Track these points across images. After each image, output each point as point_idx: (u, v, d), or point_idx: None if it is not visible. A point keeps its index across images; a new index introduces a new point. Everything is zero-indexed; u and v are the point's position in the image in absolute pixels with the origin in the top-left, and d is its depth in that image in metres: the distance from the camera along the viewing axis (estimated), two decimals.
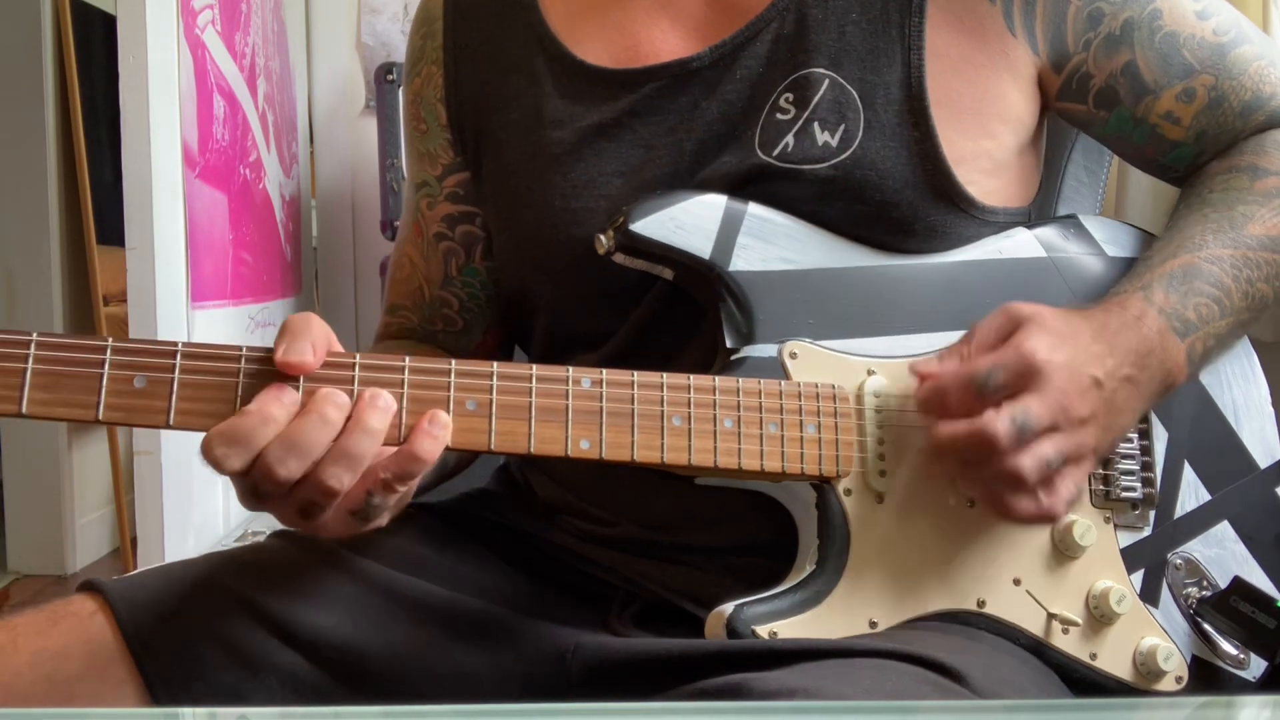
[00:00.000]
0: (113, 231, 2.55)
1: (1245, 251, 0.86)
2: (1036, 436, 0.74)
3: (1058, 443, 0.75)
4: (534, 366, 0.74)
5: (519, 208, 0.92)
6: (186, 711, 0.78)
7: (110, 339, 0.67)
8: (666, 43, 0.90)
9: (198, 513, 1.93)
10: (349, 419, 0.68)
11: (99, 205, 2.99)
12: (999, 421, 0.73)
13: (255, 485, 0.67)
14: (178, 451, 1.83)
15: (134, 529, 1.93)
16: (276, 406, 0.67)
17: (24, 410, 0.65)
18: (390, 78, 2.54)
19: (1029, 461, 0.74)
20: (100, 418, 0.66)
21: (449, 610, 0.85)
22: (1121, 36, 0.88)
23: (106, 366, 0.66)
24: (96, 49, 3.12)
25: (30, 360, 0.65)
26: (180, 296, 1.87)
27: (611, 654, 0.80)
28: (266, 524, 2.09)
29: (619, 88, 0.89)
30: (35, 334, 0.66)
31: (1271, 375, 0.99)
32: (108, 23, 3.02)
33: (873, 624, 0.79)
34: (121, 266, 1.76)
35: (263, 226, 2.30)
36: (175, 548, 1.81)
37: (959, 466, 0.77)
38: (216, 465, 0.67)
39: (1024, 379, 0.75)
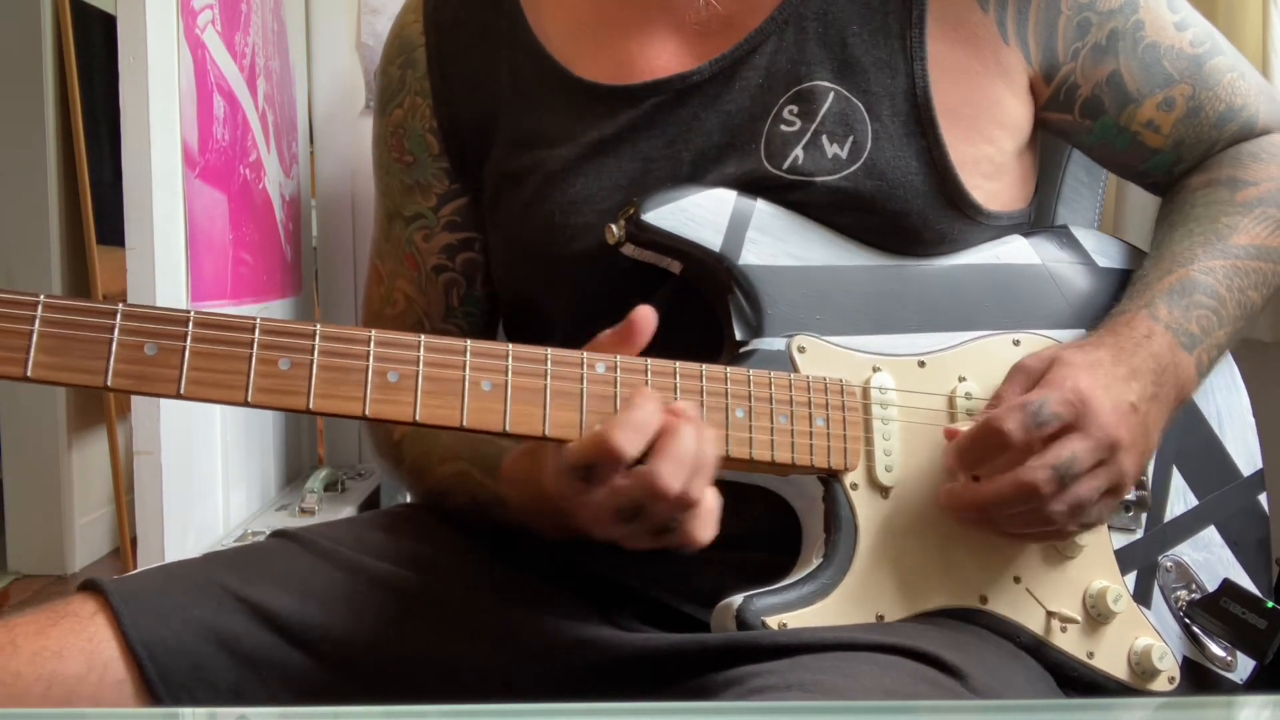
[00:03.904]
0: (113, 231, 2.55)
1: (1235, 261, 0.88)
2: (1078, 479, 0.77)
3: (1099, 479, 0.78)
4: (548, 349, 0.73)
5: (519, 225, 0.92)
6: (186, 711, 0.78)
7: (121, 304, 0.65)
8: (660, 58, 0.90)
9: (198, 513, 1.93)
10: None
11: (99, 205, 2.99)
12: (1039, 471, 0.76)
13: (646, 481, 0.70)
14: (178, 451, 1.83)
15: (134, 529, 1.93)
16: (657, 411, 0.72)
17: (29, 373, 0.63)
18: None
19: (1068, 506, 0.77)
20: (109, 384, 0.64)
21: (450, 607, 0.85)
22: (1107, 46, 0.90)
23: (116, 332, 0.64)
24: (96, 49, 3.12)
25: (37, 322, 0.63)
26: (180, 296, 1.87)
27: (614, 649, 0.80)
28: (266, 524, 2.10)
29: (618, 103, 0.90)
30: (43, 295, 0.63)
31: (1272, 375, 0.99)
32: (108, 23, 3.02)
33: (880, 617, 0.80)
34: (121, 266, 1.76)
35: (263, 226, 2.31)
36: (175, 548, 1.81)
37: (1001, 517, 0.79)
38: (618, 452, 0.69)
39: (1073, 409, 0.77)
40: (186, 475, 1.87)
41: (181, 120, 1.84)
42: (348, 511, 2.25)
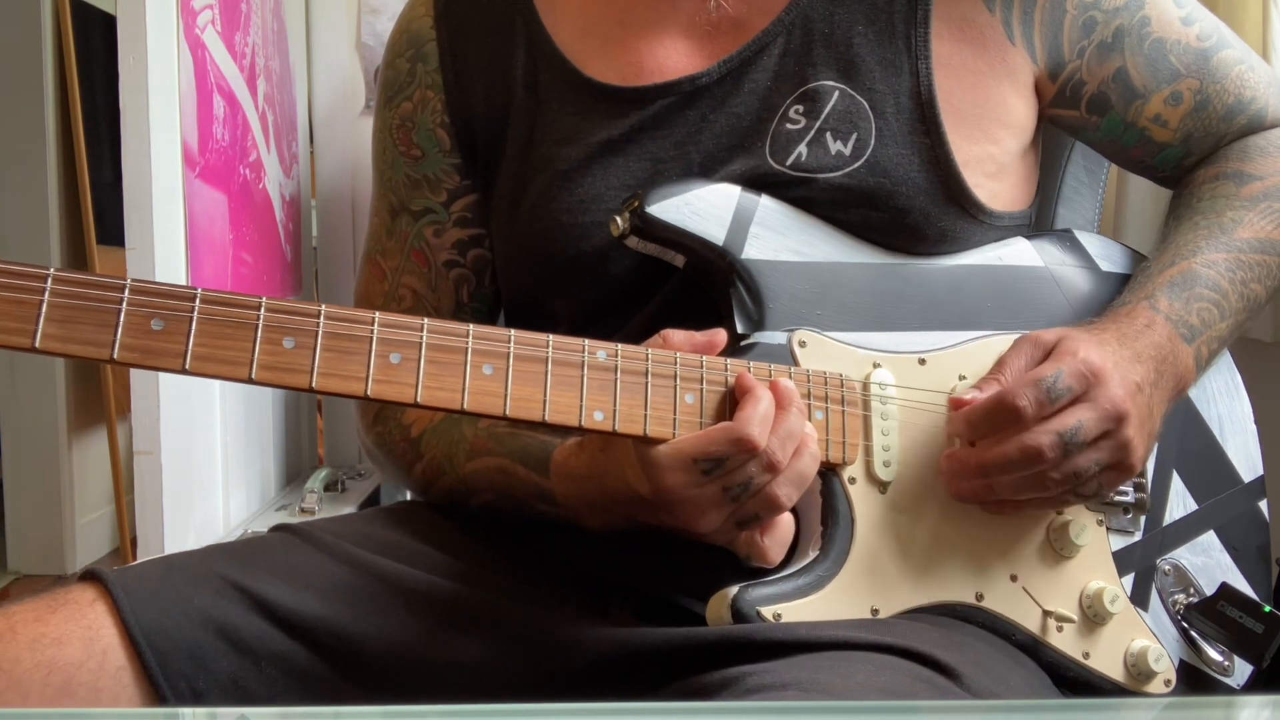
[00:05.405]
0: (113, 231, 2.56)
1: (1238, 255, 0.88)
2: (1082, 448, 0.77)
3: (1101, 451, 0.79)
4: (550, 335, 0.74)
5: (526, 223, 0.93)
6: (186, 711, 0.79)
7: (129, 279, 0.66)
8: (670, 59, 0.91)
9: (198, 513, 1.93)
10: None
11: (99, 205, 2.99)
12: (1044, 436, 0.77)
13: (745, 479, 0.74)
14: (178, 451, 1.83)
15: (134, 529, 1.93)
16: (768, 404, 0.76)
17: (36, 344, 0.64)
18: None
19: (1067, 474, 0.79)
20: (115, 357, 0.65)
21: (448, 602, 0.85)
22: (1113, 43, 0.91)
23: (124, 305, 0.65)
24: (96, 49, 3.12)
25: (46, 294, 0.64)
26: None
27: (611, 646, 0.80)
28: (266, 524, 2.10)
29: (628, 105, 0.91)
30: (53, 269, 0.65)
31: (1272, 375, 0.99)
32: (108, 23, 3.02)
33: (874, 611, 0.80)
34: (121, 266, 1.76)
35: (263, 226, 2.31)
36: (175, 547, 1.81)
37: (1001, 482, 0.80)
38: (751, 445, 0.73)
39: (1085, 380, 0.78)
40: (186, 475, 1.87)
41: (181, 120, 1.84)
42: (347, 511, 2.25)
